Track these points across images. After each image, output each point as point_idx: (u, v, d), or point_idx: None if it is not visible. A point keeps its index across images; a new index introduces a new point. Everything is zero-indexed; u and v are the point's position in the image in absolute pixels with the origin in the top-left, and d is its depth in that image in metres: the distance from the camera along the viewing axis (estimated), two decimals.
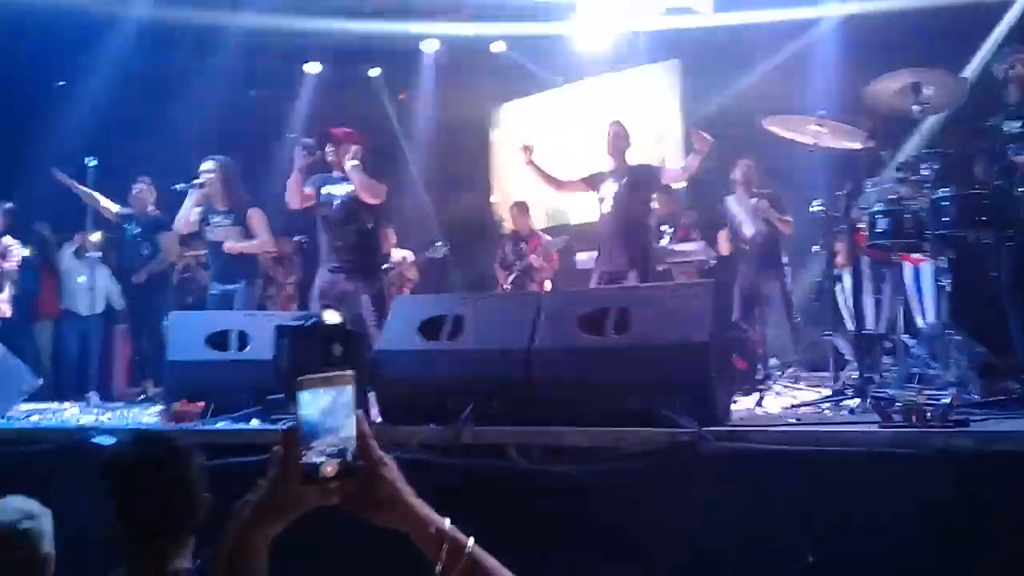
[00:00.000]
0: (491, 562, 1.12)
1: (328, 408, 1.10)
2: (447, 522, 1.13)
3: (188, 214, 5.94)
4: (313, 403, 1.10)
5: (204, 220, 5.95)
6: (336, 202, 5.50)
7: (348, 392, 1.11)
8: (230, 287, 5.89)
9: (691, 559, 2.93)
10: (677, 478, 3.02)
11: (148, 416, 4.87)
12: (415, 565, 1.13)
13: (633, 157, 6.04)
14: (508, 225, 8.45)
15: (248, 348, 4.50)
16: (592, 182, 6.05)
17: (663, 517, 2.99)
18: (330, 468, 1.08)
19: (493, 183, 10.26)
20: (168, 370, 4.60)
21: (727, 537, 2.90)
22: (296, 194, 5.46)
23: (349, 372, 1.14)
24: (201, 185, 5.90)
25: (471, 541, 1.12)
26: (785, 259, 6.49)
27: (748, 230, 6.19)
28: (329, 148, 5.56)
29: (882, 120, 4.52)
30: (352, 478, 1.09)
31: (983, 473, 2.66)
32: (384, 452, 1.15)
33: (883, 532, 2.67)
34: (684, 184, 7.28)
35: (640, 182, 5.91)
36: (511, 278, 7.72)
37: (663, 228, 7.22)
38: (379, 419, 3.69)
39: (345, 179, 5.47)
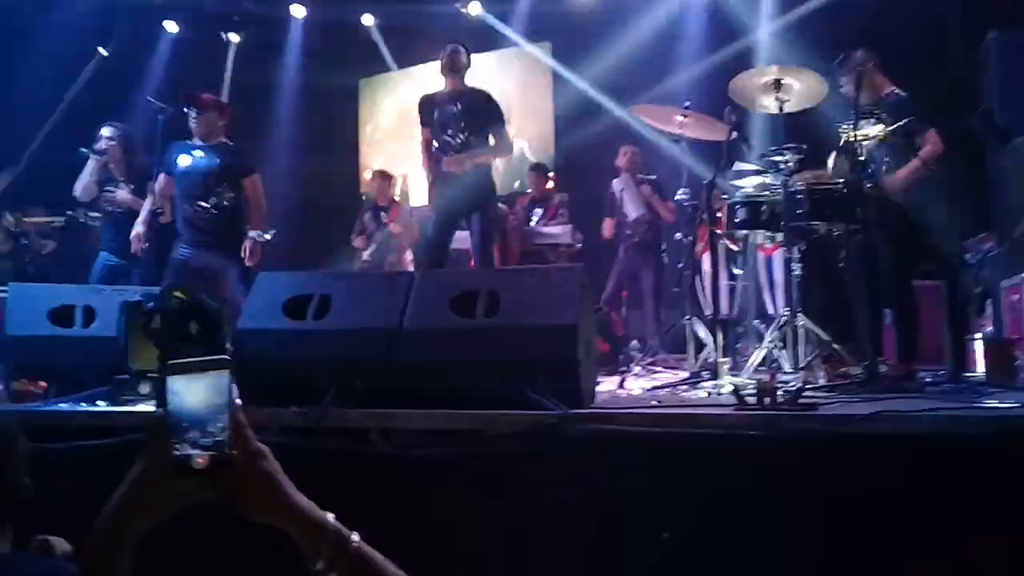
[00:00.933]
0: (378, 558, 1.07)
1: (201, 395, 1.03)
2: (331, 516, 1.07)
3: (87, 183, 5.70)
4: (184, 390, 1.03)
5: (101, 187, 5.72)
6: (198, 173, 5.25)
7: (223, 378, 1.04)
8: (123, 261, 5.63)
9: (555, 539, 2.97)
10: (542, 460, 3.04)
11: None
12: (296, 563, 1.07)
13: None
14: (370, 194, 8.30)
15: (95, 324, 4.23)
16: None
17: (528, 499, 3.01)
18: (202, 460, 1.01)
19: (361, 155, 10.09)
20: (7, 346, 4.27)
21: (591, 517, 2.94)
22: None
23: (225, 357, 1.07)
24: (102, 152, 5.65)
25: (356, 536, 1.06)
26: (663, 246, 6.70)
27: (633, 212, 6.35)
28: (192, 113, 5.29)
29: (745, 113, 4.69)
30: (227, 471, 1.02)
31: (829, 453, 2.80)
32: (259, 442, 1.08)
33: (739, 509, 2.78)
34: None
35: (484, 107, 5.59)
36: (371, 249, 7.58)
37: (532, 209, 7.30)
38: (239, 401, 3.54)
39: (207, 147, 5.23)
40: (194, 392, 1.03)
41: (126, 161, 5.75)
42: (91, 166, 5.69)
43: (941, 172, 4.67)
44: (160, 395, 1.03)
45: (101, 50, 8.68)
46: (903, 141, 4.56)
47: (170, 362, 1.04)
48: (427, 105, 5.54)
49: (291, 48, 9.46)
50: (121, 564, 1.06)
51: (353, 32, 9.43)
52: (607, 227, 6.88)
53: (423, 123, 5.59)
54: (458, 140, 5.33)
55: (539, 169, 7.77)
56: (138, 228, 5.41)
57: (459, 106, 5.37)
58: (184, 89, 5.56)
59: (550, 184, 7.79)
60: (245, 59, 9.38)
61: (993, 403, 3.23)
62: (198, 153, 5.33)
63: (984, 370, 4.64)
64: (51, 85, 8.12)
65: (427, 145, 5.53)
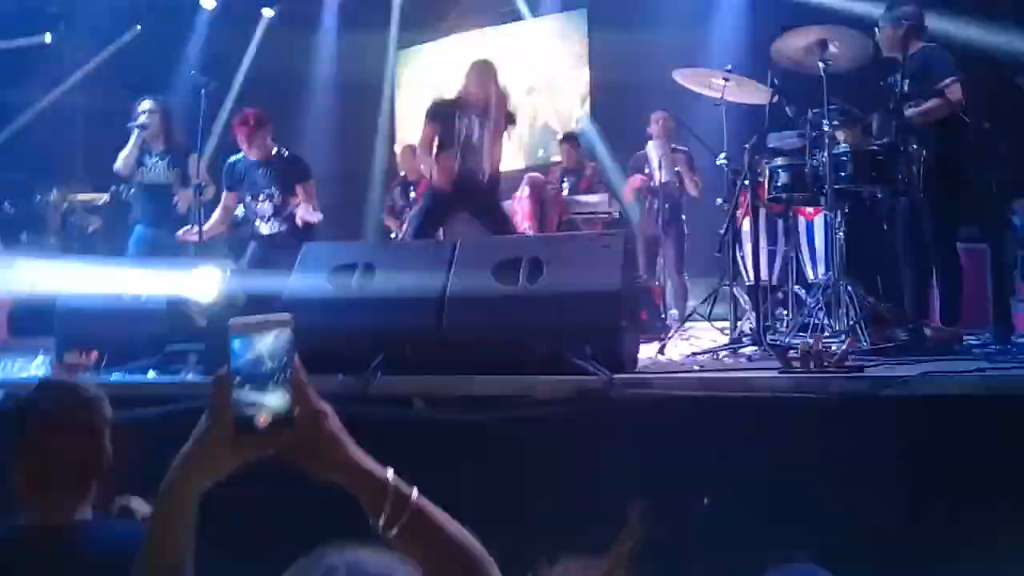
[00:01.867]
0: (438, 513, 1.09)
1: (263, 353, 1.05)
2: (390, 472, 1.08)
3: (129, 155, 5.75)
4: (247, 348, 1.04)
5: (140, 162, 5.79)
6: (261, 192, 5.48)
7: (285, 337, 1.05)
8: (162, 234, 5.73)
9: (602, 504, 2.99)
10: (586, 424, 3.07)
11: (35, 368, 4.63)
12: (358, 519, 1.09)
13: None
14: (401, 169, 8.27)
15: (144, 296, 4.31)
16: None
17: (573, 464, 3.04)
18: (264, 418, 1.02)
19: (396, 129, 10.09)
20: (58, 319, 4.38)
21: (636, 482, 2.96)
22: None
23: (286, 315, 1.08)
24: (142, 127, 5.70)
25: (415, 492, 1.08)
26: (684, 217, 6.68)
27: (661, 177, 6.31)
28: (241, 139, 5.45)
29: (788, 75, 4.61)
30: (289, 429, 1.03)
31: (875, 415, 2.80)
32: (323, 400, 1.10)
33: (784, 472, 2.78)
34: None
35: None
36: (405, 226, 7.58)
37: (564, 179, 7.27)
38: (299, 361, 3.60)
39: (263, 163, 5.46)
40: (256, 350, 1.03)
41: (165, 133, 5.81)
42: (134, 140, 5.75)
43: (986, 132, 4.58)
44: (223, 353, 1.03)
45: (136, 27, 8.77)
46: (933, 93, 4.48)
47: (232, 320, 1.05)
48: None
49: (326, 24, 9.45)
50: (188, 521, 1.09)
51: (387, 5, 9.40)
52: (629, 188, 6.85)
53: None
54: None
55: (570, 139, 7.70)
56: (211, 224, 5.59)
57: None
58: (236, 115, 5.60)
59: (579, 151, 7.71)
60: (279, 34, 9.41)
61: None
62: (259, 172, 5.48)
63: None
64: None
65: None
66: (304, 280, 3.65)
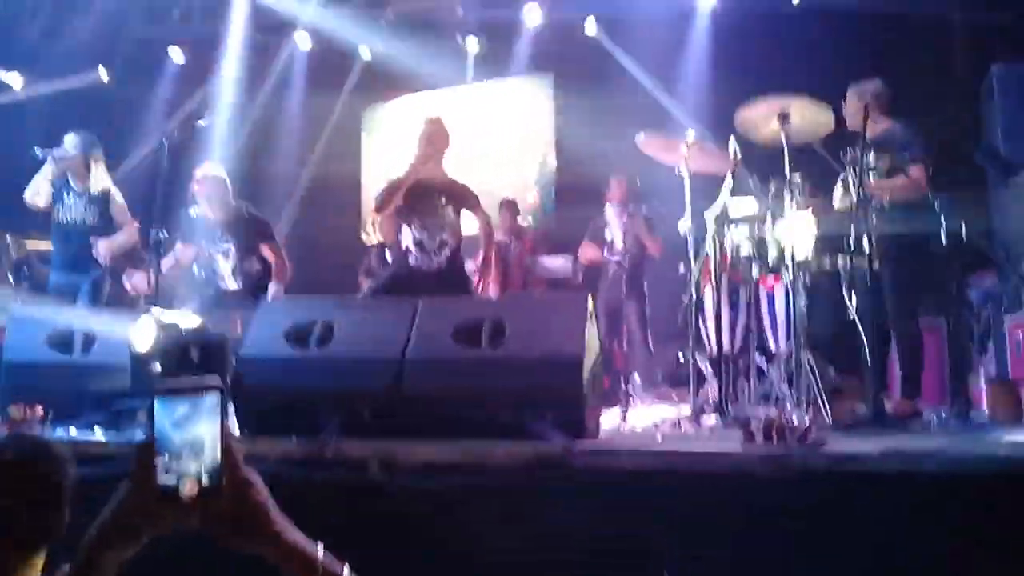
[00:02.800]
0: None
1: (189, 418, 1.00)
2: (320, 548, 1.04)
3: (39, 187, 5.45)
4: (172, 412, 0.99)
5: (56, 198, 5.49)
6: (220, 254, 5.42)
7: (213, 400, 1.01)
8: (75, 278, 5.45)
9: (556, 573, 2.92)
10: (545, 493, 3.00)
11: None
12: None
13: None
14: (376, 233, 8.29)
15: (94, 349, 4.20)
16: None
17: (530, 532, 2.96)
18: (189, 486, 0.98)
19: (362, 190, 10.07)
20: (3, 371, 4.23)
21: (593, 551, 2.89)
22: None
23: (214, 378, 1.04)
24: (62, 158, 5.40)
25: (346, 570, 1.04)
26: (645, 282, 6.69)
27: (619, 243, 6.31)
28: (201, 200, 5.41)
29: (750, 144, 4.68)
30: (214, 499, 0.99)
31: (837, 490, 2.77)
32: (251, 469, 1.05)
33: (744, 547, 2.73)
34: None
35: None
36: None
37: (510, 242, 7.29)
38: (238, 431, 3.51)
39: (223, 224, 5.42)
40: (183, 415, 0.99)
41: (88, 169, 5.51)
42: (48, 171, 5.45)
43: (944, 207, 4.67)
44: (149, 417, 1.01)
45: (101, 71, 8.70)
46: (898, 171, 4.57)
47: (157, 384, 1.01)
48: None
49: (296, 78, 9.48)
50: None
51: (355, 63, 9.46)
52: (587, 253, 6.84)
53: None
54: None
55: (509, 205, 7.72)
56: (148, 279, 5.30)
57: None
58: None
59: (519, 220, 7.77)
60: (247, 87, 9.41)
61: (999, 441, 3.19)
62: (219, 229, 5.40)
63: (989, 408, 4.61)
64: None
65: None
66: (260, 338, 3.56)
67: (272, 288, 5.40)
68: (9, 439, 1.86)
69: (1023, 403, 4.33)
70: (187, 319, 4.03)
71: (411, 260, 4.98)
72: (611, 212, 6.58)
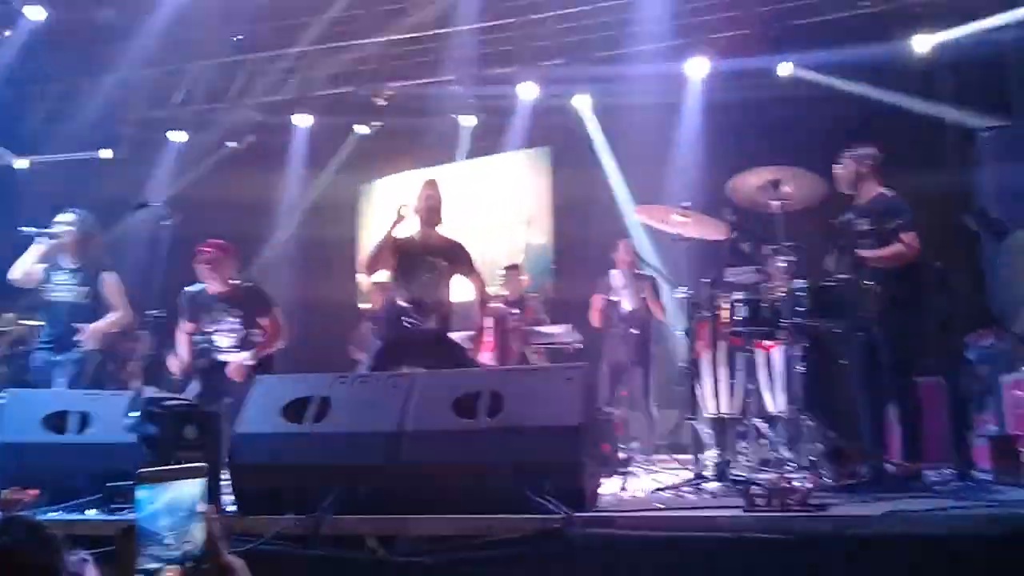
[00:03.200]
0: None
1: (173, 504, 1.00)
2: None
3: (30, 264, 5.36)
4: (155, 499, 1.00)
5: (47, 277, 5.42)
6: (225, 326, 5.45)
7: (197, 487, 1.02)
8: (62, 357, 5.34)
9: None
10: (547, 564, 2.96)
11: None
12: None
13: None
14: (371, 304, 8.30)
15: (90, 430, 4.18)
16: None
17: None
18: (171, 573, 0.99)
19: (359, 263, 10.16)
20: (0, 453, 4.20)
21: None
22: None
23: (199, 465, 1.05)
24: (53, 236, 5.37)
25: None
26: (651, 347, 6.68)
27: (628, 305, 6.34)
28: (205, 270, 5.43)
29: (744, 212, 4.74)
30: None
31: (840, 554, 2.73)
32: (235, 554, 1.05)
33: None
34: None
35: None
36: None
37: (513, 311, 7.29)
38: (233, 508, 3.48)
39: (227, 298, 5.45)
40: (166, 501, 1.00)
41: (80, 250, 5.44)
42: (38, 249, 5.37)
43: (938, 268, 4.71)
44: (133, 502, 1.01)
45: (104, 152, 8.86)
46: (890, 240, 4.61)
47: (140, 470, 1.02)
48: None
49: (294, 155, 9.64)
50: None
51: (353, 140, 9.63)
52: (594, 310, 6.80)
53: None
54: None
55: (513, 269, 7.77)
56: (183, 357, 5.44)
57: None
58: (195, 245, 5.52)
59: (524, 281, 7.76)
60: (247, 165, 9.56)
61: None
62: (221, 307, 5.43)
63: (990, 467, 4.57)
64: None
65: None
66: (256, 414, 3.55)
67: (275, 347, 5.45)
68: (2, 524, 1.85)
69: (1022, 460, 4.31)
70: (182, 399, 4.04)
71: (404, 322, 4.97)
72: (618, 276, 6.61)
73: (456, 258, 5.13)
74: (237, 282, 5.54)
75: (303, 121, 9.37)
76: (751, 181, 4.49)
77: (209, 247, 5.43)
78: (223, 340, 5.42)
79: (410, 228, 5.09)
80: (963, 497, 3.62)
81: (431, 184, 5.23)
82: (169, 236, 5.24)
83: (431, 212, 5.10)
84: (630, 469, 5.13)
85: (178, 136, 9.40)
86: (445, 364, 4.71)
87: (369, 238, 9.98)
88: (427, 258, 5.05)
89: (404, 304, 4.99)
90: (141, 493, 1.00)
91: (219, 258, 5.41)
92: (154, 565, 0.98)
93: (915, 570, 2.64)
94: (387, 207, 9.70)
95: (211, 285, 5.43)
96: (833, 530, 2.79)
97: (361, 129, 9.42)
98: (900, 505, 3.06)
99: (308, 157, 9.62)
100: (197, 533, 1.00)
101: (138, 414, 3.62)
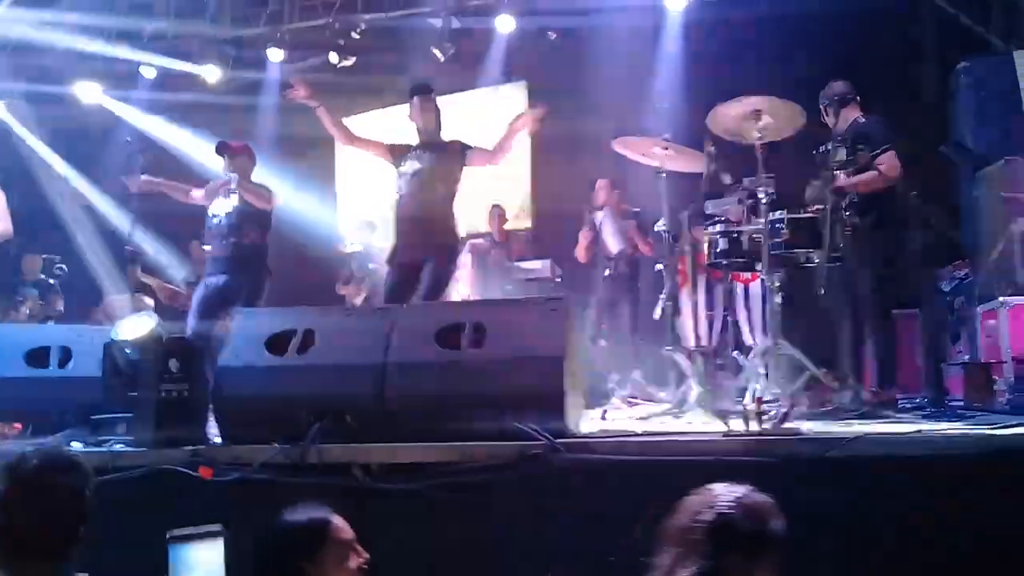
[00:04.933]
0: None
1: (200, 562, 1.06)
2: None
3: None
4: (185, 557, 1.07)
5: None
6: (222, 216, 5.50)
7: (219, 546, 1.09)
8: None
9: (541, 569, 2.93)
10: (528, 490, 3.02)
11: None
12: None
13: (446, 135, 5.41)
14: (353, 243, 8.33)
15: (71, 364, 4.19)
16: (394, 151, 5.34)
17: (514, 530, 2.98)
18: None
19: (339, 200, 10.07)
20: None
21: (578, 547, 2.91)
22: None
23: (218, 526, 1.14)
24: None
25: None
26: (640, 283, 6.71)
27: (614, 248, 6.33)
28: (226, 161, 5.57)
29: (725, 144, 4.73)
30: None
31: (810, 477, 2.80)
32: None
33: None
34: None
35: (450, 158, 5.23)
36: (363, 295, 7.57)
37: (494, 248, 7.33)
38: (218, 439, 3.51)
39: (231, 192, 5.47)
40: (194, 560, 1.09)
41: None
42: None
43: (915, 200, 4.74)
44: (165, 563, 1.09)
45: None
46: (868, 164, 4.63)
47: (170, 532, 1.09)
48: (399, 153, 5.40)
49: (268, 90, 9.47)
50: None
51: (330, 74, 9.46)
52: (580, 247, 6.81)
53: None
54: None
55: (499, 210, 7.85)
56: None
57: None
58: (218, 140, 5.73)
59: (508, 219, 7.85)
60: (221, 100, 9.40)
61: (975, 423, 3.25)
62: (231, 200, 5.53)
63: (963, 394, 4.68)
64: None
65: None
66: (240, 347, 3.55)
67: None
68: (34, 451, 1.91)
69: (995, 386, 4.41)
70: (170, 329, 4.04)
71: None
72: (605, 217, 6.61)
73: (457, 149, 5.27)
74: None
75: (276, 56, 9.18)
76: (731, 112, 4.47)
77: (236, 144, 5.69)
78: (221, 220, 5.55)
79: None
80: (937, 421, 3.71)
81: (428, 98, 5.35)
82: (140, 169, 5.20)
83: (429, 122, 5.26)
84: (613, 400, 5.21)
85: (149, 72, 9.20)
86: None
87: (347, 175, 9.91)
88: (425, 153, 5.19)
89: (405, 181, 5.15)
90: (172, 552, 1.06)
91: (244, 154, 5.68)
92: None
93: (884, 490, 2.71)
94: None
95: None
96: (806, 452, 2.86)
97: (334, 58, 9.23)
98: (876, 428, 3.14)
99: (282, 92, 9.45)
100: None
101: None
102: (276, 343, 3.56)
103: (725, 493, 1.85)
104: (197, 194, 5.72)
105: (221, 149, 5.64)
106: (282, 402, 3.39)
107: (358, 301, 7.53)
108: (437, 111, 5.33)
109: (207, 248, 5.67)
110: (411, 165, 5.16)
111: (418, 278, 4.95)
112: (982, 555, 2.56)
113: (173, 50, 9.12)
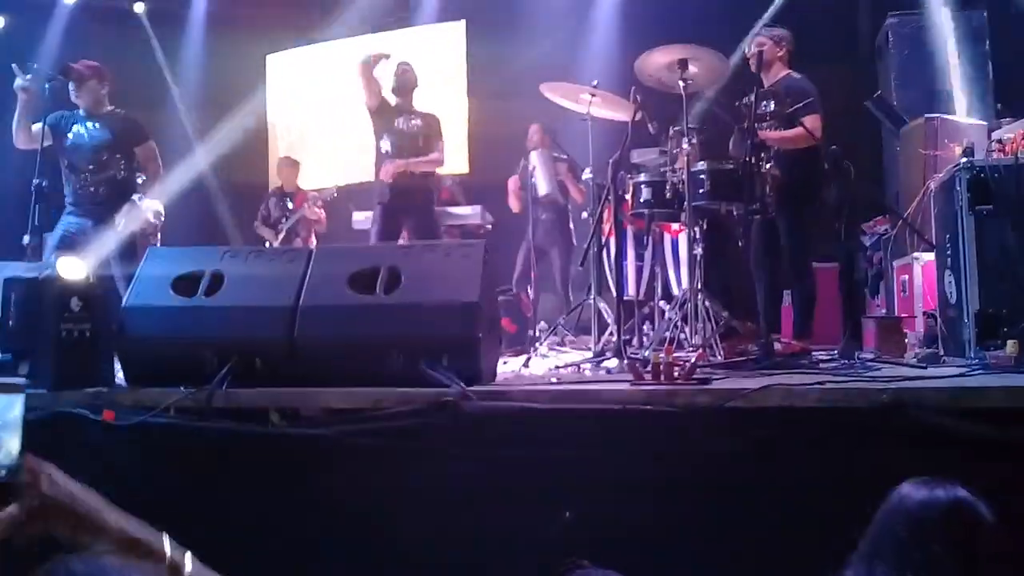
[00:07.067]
0: None
1: None
2: (165, 538, 1.05)
3: None
4: None
5: None
6: (88, 147, 5.05)
7: (15, 402, 1.01)
8: None
9: (451, 517, 2.95)
10: (439, 437, 3.01)
11: None
12: None
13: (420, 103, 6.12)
14: (275, 180, 8.19)
15: None
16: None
17: (425, 477, 2.98)
18: None
19: (269, 139, 9.81)
20: None
21: (489, 494, 2.93)
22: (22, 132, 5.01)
23: (20, 380, 1.07)
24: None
25: (190, 559, 1.05)
26: (571, 226, 6.71)
27: (543, 189, 6.28)
28: (71, 85, 5.09)
29: (652, 93, 4.70)
30: (15, 499, 0.99)
31: (717, 427, 2.85)
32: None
33: (635, 484, 2.80)
34: None
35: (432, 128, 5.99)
36: (281, 236, 7.46)
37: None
38: (123, 382, 3.43)
39: (94, 118, 5.04)
40: None
41: None
42: None
43: (836, 154, 4.78)
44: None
45: None
46: (793, 123, 4.66)
47: None
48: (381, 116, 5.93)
49: (195, 20, 9.14)
50: None
51: (260, 4, 9.16)
52: (513, 200, 6.80)
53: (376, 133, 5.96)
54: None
55: None
56: None
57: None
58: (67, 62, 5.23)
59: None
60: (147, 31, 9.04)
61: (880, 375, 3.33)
62: (88, 125, 5.11)
63: (874, 347, 4.80)
64: None
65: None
66: (146, 287, 3.45)
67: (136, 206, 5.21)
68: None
69: (906, 340, 4.53)
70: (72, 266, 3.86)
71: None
72: (537, 158, 6.55)
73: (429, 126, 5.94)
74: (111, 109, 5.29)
75: None
76: (658, 60, 4.44)
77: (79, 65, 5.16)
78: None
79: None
80: (845, 373, 3.79)
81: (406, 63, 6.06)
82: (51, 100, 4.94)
83: (404, 86, 5.95)
84: (537, 348, 5.23)
85: None
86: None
87: (279, 111, 9.65)
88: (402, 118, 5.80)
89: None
90: None
91: (91, 77, 5.15)
92: None
93: (789, 439, 2.77)
94: (296, 80, 9.43)
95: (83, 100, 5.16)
96: (714, 402, 2.90)
97: None
98: (782, 380, 3.19)
99: (207, 22, 9.13)
100: (15, 446, 1.00)
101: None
102: (184, 283, 3.47)
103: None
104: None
105: (66, 73, 5.12)
106: (189, 344, 3.31)
107: (276, 242, 7.41)
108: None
109: None
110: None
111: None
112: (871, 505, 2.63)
113: None
